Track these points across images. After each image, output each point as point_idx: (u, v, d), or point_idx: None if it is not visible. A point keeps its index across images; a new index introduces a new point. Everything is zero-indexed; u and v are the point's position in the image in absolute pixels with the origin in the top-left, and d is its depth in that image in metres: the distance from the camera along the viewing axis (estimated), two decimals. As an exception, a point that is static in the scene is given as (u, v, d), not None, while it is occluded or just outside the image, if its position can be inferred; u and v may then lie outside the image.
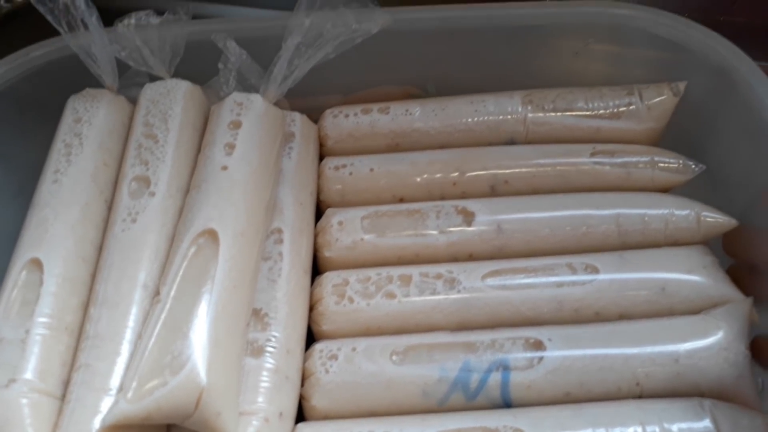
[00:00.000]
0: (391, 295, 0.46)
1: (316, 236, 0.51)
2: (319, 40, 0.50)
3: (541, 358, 0.42)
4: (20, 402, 0.38)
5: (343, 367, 0.43)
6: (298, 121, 0.54)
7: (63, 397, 0.39)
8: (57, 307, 0.41)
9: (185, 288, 0.40)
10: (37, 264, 0.42)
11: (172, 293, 0.40)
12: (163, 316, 0.39)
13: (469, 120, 0.54)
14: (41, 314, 0.41)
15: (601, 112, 0.54)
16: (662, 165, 0.51)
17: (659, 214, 0.49)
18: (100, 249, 0.45)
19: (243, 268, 0.42)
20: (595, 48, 0.56)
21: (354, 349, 0.44)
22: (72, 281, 0.43)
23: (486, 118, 0.54)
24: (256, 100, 0.49)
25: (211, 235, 0.42)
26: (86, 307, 0.43)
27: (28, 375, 0.39)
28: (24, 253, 0.43)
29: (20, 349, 0.39)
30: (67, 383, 0.40)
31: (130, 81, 0.53)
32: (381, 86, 0.59)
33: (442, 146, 0.54)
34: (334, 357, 0.43)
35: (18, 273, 0.42)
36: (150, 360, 0.37)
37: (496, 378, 0.42)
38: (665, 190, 0.52)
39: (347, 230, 0.49)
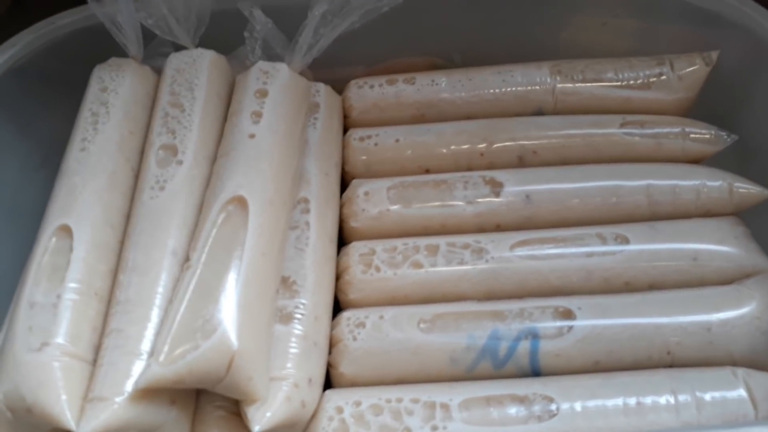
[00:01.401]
0: (417, 265, 0.46)
1: (341, 207, 0.50)
2: (345, 8, 0.49)
3: (570, 327, 0.42)
4: (53, 365, 0.38)
5: (371, 335, 0.43)
6: (323, 91, 0.54)
7: (94, 362, 0.40)
8: (86, 272, 0.41)
9: (215, 254, 0.40)
10: (66, 230, 0.43)
11: (203, 259, 0.40)
12: (193, 282, 0.39)
13: (497, 90, 0.54)
14: (72, 279, 0.41)
15: (631, 82, 0.53)
16: (694, 135, 0.51)
17: (690, 185, 0.48)
18: (127, 216, 0.45)
19: (272, 235, 0.42)
20: (624, 18, 0.55)
21: (381, 317, 0.44)
22: (100, 248, 0.43)
23: (514, 88, 0.54)
24: (282, 68, 0.49)
25: (240, 202, 0.42)
26: (115, 273, 0.43)
27: (60, 339, 0.39)
28: (54, 219, 0.43)
29: (52, 314, 0.39)
30: (97, 348, 0.40)
31: (155, 51, 0.53)
32: (405, 57, 0.58)
33: (468, 117, 0.54)
34: (362, 325, 0.43)
35: (48, 239, 0.42)
36: (181, 324, 0.37)
37: (524, 346, 0.42)
38: (696, 161, 0.51)
39: (373, 201, 0.49)
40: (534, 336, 0.42)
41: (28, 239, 0.50)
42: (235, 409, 0.40)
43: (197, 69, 0.50)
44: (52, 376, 0.38)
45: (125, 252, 0.43)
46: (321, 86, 0.54)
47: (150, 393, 0.37)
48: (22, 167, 0.55)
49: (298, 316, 0.42)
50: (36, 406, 0.37)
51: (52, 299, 0.40)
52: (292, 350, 0.41)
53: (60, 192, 0.45)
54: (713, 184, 0.48)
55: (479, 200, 0.49)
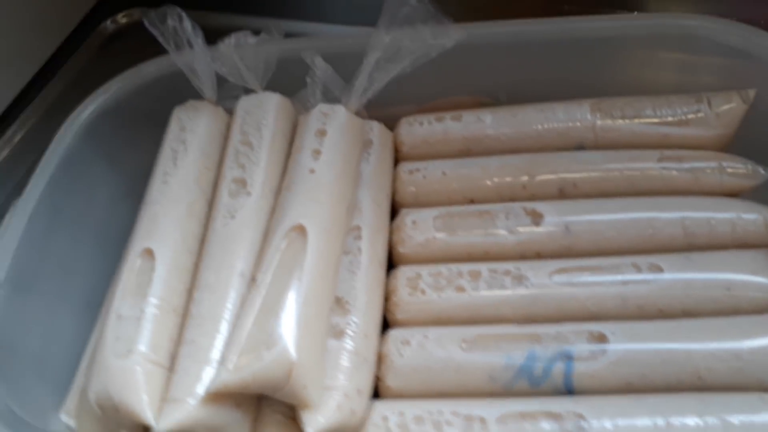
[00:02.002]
0: (461, 289, 0.49)
1: (391, 234, 0.55)
2: (397, 55, 0.54)
3: (604, 351, 0.45)
4: (136, 370, 0.43)
5: (416, 352, 0.47)
6: (376, 129, 0.59)
7: (171, 368, 0.45)
8: (166, 290, 0.47)
9: (278, 275, 0.45)
10: (149, 253, 0.48)
11: (268, 280, 0.45)
12: (259, 300, 0.44)
13: (539, 127, 0.57)
14: (153, 296, 0.46)
15: (669, 119, 0.55)
16: (730, 170, 0.52)
17: (726, 218, 0.50)
18: (202, 241, 0.51)
19: (328, 260, 0.47)
20: (664, 58, 0.58)
21: (426, 337, 0.47)
22: (179, 269, 0.49)
23: (555, 125, 0.57)
24: (340, 110, 0.54)
25: (301, 230, 0.46)
26: (190, 291, 0.48)
27: (143, 347, 0.44)
28: (139, 243, 0.49)
29: (136, 326, 0.45)
30: (174, 356, 0.46)
31: (227, 94, 0.59)
32: (453, 96, 0.62)
33: (512, 151, 0.57)
34: (408, 343, 0.47)
35: (134, 260, 0.48)
36: (248, 337, 0.42)
37: (559, 367, 0.44)
38: (734, 195, 0.52)
39: (420, 229, 0.53)
40: (568, 358, 0.45)
41: (114, 260, 0.57)
42: (291, 414, 0.44)
43: (264, 110, 0.56)
44: (135, 379, 0.43)
45: (199, 272, 0.48)
46: (375, 124, 0.59)
47: (219, 396, 0.42)
48: (110, 197, 0.61)
49: (350, 332, 0.47)
50: (121, 405, 0.42)
51: (136, 313, 0.46)
52: (343, 363, 0.45)
53: (144, 219, 0.51)
54: (749, 216, 0.50)
55: (520, 229, 0.52)
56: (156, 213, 0.51)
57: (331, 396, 0.43)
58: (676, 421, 0.41)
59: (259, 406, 0.45)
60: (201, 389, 0.42)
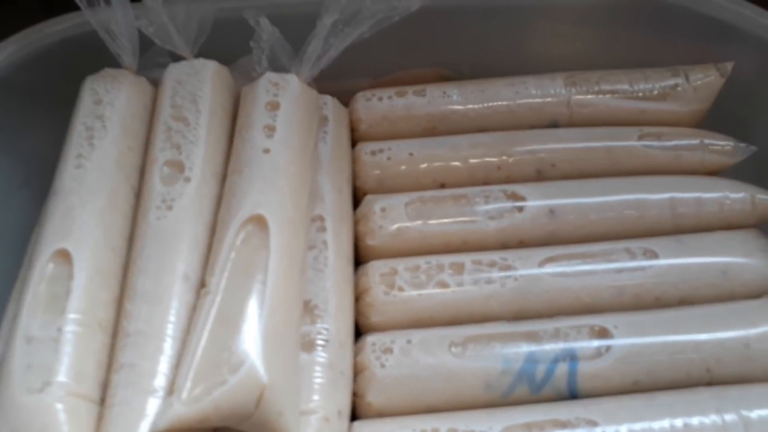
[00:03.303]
0: (443, 285, 0.44)
1: (355, 224, 0.48)
2: (356, 18, 0.47)
3: (609, 347, 0.40)
4: (56, 407, 0.34)
5: (400, 361, 0.40)
6: (330, 104, 0.52)
7: (101, 401, 0.36)
8: (89, 302, 0.38)
9: (236, 279, 0.37)
10: (64, 256, 0.39)
11: (222, 284, 0.37)
12: (214, 310, 0.36)
13: (510, 102, 0.52)
14: (73, 310, 0.37)
15: (646, 93, 0.52)
16: (712, 147, 0.50)
17: (714, 198, 0.47)
18: (128, 238, 0.42)
19: (293, 257, 0.39)
20: (638, 29, 0.54)
21: (409, 342, 0.41)
22: (103, 274, 0.39)
23: (528, 100, 0.52)
24: (292, 80, 0.47)
25: (260, 221, 0.39)
26: (118, 301, 0.39)
27: (63, 377, 0.35)
28: (50, 244, 0.39)
29: (53, 349, 0.36)
30: (103, 385, 0.37)
31: (150, 61, 0.50)
32: (412, 68, 0.56)
33: (481, 129, 0.52)
34: (389, 350, 0.41)
35: (44, 266, 0.39)
36: (204, 357, 0.34)
37: (563, 368, 0.40)
38: (714, 172, 0.50)
39: (391, 217, 0.47)
40: (572, 357, 0.40)
41: (11, 265, 0.46)
42: (260, 447, 0.36)
43: (200, 80, 0.47)
44: (56, 419, 0.34)
45: (131, 278, 0.39)
46: (329, 99, 0.52)
47: (170, 434, 0.34)
48: (3, 187, 0.50)
49: (322, 342, 0.40)
50: (40, 455, 0.33)
51: (52, 333, 0.36)
52: (318, 380, 0.38)
53: (55, 213, 0.41)
54: (736, 196, 0.47)
55: (502, 215, 0.47)
56: (71, 205, 0.41)
57: (309, 422, 0.36)
58: (693, 420, 0.38)
59: (218, 440, 0.37)
60: (146, 427, 0.34)
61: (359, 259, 0.47)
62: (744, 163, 0.51)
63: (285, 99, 0.45)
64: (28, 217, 0.47)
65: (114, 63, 0.49)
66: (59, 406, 0.34)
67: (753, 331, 0.41)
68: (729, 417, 0.38)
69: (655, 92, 0.52)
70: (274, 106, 0.45)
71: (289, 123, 0.44)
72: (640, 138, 0.50)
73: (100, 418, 0.35)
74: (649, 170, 0.50)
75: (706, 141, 0.50)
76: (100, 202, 0.41)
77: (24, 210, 0.49)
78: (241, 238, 0.38)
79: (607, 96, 0.52)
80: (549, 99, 0.52)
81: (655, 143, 0.50)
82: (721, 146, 0.50)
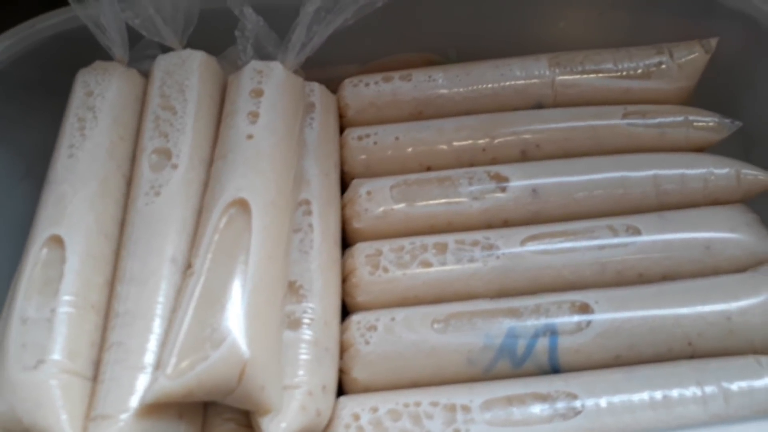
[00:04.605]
0: (427, 264, 0.44)
1: (343, 208, 0.49)
2: (339, 4, 0.48)
3: (589, 322, 0.41)
4: (50, 383, 0.36)
5: (384, 338, 0.41)
6: (317, 90, 0.52)
7: (93, 378, 0.37)
8: (81, 284, 0.39)
9: (219, 260, 0.38)
10: (57, 241, 0.40)
11: (207, 265, 0.38)
12: (198, 289, 0.37)
13: (495, 85, 0.53)
14: (66, 292, 0.38)
15: (631, 72, 0.52)
16: (697, 124, 0.50)
17: (698, 174, 0.47)
18: (121, 224, 0.43)
19: (277, 238, 0.40)
20: (620, 8, 0.54)
21: (393, 319, 0.42)
22: (95, 258, 0.41)
23: (513, 82, 0.53)
24: (276, 67, 0.47)
25: (242, 205, 0.40)
26: (111, 284, 0.41)
27: (57, 355, 0.36)
28: (43, 230, 0.41)
29: (47, 329, 0.37)
30: (96, 363, 0.38)
31: (140, 53, 0.51)
32: (399, 54, 0.57)
33: (467, 112, 0.53)
34: (373, 328, 0.42)
35: (38, 251, 0.40)
36: (188, 334, 0.35)
37: (543, 343, 0.41)
38: (700, 149, 0.50)
39: (376, 200, 0.48)
40: (552, 332, 0.41)
41: (13, 252, 0.48)
42: (246, 421, 0.38)
43: (187, 70, 0.48)
44: (50, 395, 0.35)
45: (121, 261, 0.41)
46: (315, 85, 0.53)
47: (157, 408, 0.35)
48: (3, 178, 0.52)
49: (307, 321, 0.41)
50: (35, 428, 0.34)
51: (45, 314, 0.38)
52: (303, 357, 0.39)
53: (48, 201, 0.43)
54: (720, 171, 0.47)
55: (485, 196, 0.47)
56: (63, 193, 0.42)
57: (293, 396, 0.37)
58: (673, 392, 0.38)
59: (205, 414, 0.38)
60: (135, 401, 0.35)
61: (347, 241, 0.48)
62: (731, 139, 0.51)
63: (269, 86, 0.46)
64: (29, 208, 0.48)
65: (106, 56, 0.50)
66: (53, 382, 0.36)
67: (735, 305, 0.41)
68: (709, 389, 0.38)
69: (640, 71, 0.52)
70: (258, 93, 0.46)
71: (273, 109, 0.45)
72: (625, 116, 0.50)
73: (92, 394, 0.36)
74: (634, 149, 0.50)
75: (691, 118, 0.50)
76: (92, 189, 0.43)
77: (25, 201, 0.50)
78: (225, 221, 0.39)
79: (592, 76, 0.52)
80: (534, 80, 0.53)
81: (640, 121, 0.50)
82: (706, 122, 0.50)
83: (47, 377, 0.36)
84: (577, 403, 0.38)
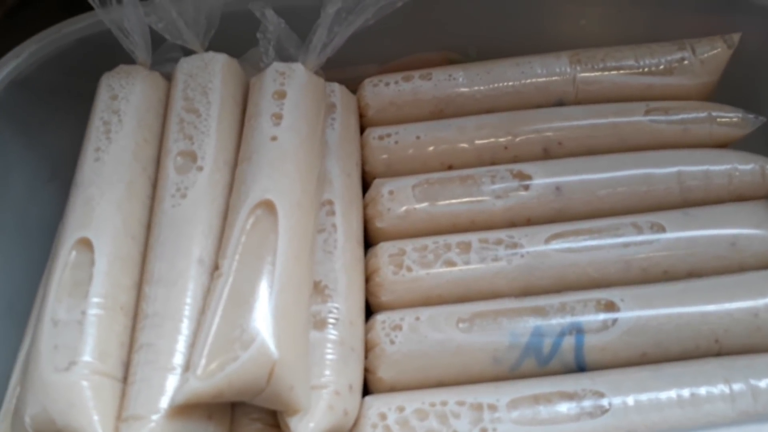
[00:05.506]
0: (450, 263, 0.44)
1: (365, 207, 0.49)
2: (360, 5, 0.48)
3: (615, 320, 0.41)
4: (82, 385, 0.36)
5: (409, 337, 0.41)
6: (338, 91, 0.53)
7: (124, 379, 0.38)
8: (110, 286, 0.40)
9: (247, 261, 0.38)
10: (86, 244, 0.41)
11: (234, 266, 0.38)
12: (226, 290, 0.37)
13: (516, 82, 0.53)
14: (95, 294, 0.39)
15: (653, 68, 0.52)
16: (720, 119, 0.50)
17: (722, 170, 0.47)
18: (147, 227, 0.44)
19: (302, 239, 0.40)
20: (642, 3, 0.54)
21: (418, 319, 0.42)
22: (123, 260, 0.41)
23: (533, 80, 0.53)
24: (298, 68, 0.48)
25: (268, 206, 0.40)
26: (139, 286, 0.41)
27: (88, 357, 0.37)
28: (72, 233, 0.41)
29: (77, 331, 0.38)
30: (126, 364, 0.38)
31: (163, 57, 0.52)
32: (419, 53, 0.57)
33: (488, 111, 0.53)
34: (398, 327, 0.42)
35: (68, 253, 0.41)
36: (217, 335, 0.36)
37: (569, 341, 0.40)
38: (723, 145, 0.50)
39: (398, 200, 0.48)
40: (578, 331, 0.41)
41: (40, 254, 0.49)
42: (273, 420, 0.38)
43: (210, 73, 0.48)
44: (82, 396, 0.36)
45: (149, 263, 0.41)
46: (335, 86, 0.53)
47: (187, 409, 0.35)
48: (31, 181, 0.53)
49: (333, 321, 0.41)
50: (68, 429, 0.35)
51: (76, 316, 0.38)
52: (330, 356, 0.39)
53: (76, 204, 0.43)
54: (745, 167, 0.47)
55: (508, 194, 0.47)
56: (90, 196, 0.43)
57: (320, 396, 0.37)
58: (701, 390, 0.38)
59: (233, 415, 0.39)
60: (165, 402, 0.36)
61: (370, 241, 0.49)
62: (755, 135, 0.50)
63: (291, 87, 0.46)
64: (56, 210, 0.49)
65: (130, 59, 0.50)
66: (84, 383, 0.36)
67: (762, 301, 0.41)
68: (737, 386, 0.38)
69: (662, 67, 0.52)
70: (281, 95, 0.46)
71: (296, 110, 0.45)
72: (647, 113, 0.50)
73: (123, 395, 0.37)
74: (656, 145, 0.50)
75: (714, 113, 0.50)
76: (119, 192, 0.43)
77: (51, 203, 0.51)
78: (251, 223, 0.40)
79: (613, 72, 0.52)
80: (555, 78, 0.52)
81: (662, 118, 0.50)
82: (730, 118, 0.50)
83: (79, 378, 0.36)
84: (604, 402, 0.38)
